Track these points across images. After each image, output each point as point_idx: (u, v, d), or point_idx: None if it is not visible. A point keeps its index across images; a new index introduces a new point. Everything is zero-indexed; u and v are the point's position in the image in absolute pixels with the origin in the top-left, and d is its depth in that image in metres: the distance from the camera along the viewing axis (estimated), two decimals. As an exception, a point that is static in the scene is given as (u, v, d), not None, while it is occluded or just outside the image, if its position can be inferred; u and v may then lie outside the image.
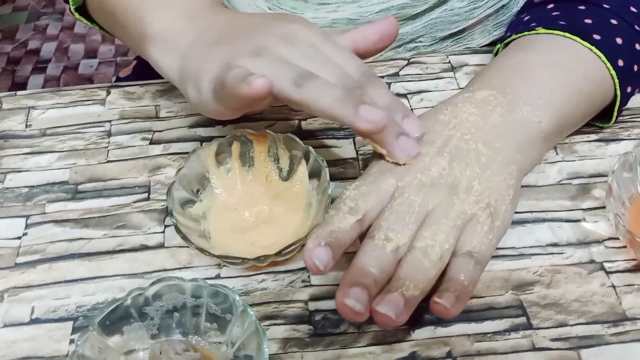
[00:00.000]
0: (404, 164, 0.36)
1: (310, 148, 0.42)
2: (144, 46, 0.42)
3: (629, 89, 0.44)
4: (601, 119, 0.45)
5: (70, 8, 0.49)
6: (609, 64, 0.42)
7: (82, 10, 0.51)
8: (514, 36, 0.45)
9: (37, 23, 1.80)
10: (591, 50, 0.42)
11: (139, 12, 0.42)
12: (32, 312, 0.38)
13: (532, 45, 0.43)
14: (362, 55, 0.39)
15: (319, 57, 0.36)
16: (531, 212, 0.42)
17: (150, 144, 0.47)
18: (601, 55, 0.42)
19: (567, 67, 0.41)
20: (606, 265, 0.39)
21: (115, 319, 0.34)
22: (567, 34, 0.42)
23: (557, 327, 0.36)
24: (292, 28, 0.37)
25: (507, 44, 0.46)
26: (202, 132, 0.48)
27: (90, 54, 1.70)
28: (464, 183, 0.36)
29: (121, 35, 0.47)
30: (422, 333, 0.36)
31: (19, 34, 1.76)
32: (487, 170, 0.36)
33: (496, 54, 0.47)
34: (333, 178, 0.44)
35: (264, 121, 0.49)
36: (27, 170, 0.46)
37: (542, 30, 0.43)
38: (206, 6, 0.42)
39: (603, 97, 0.43)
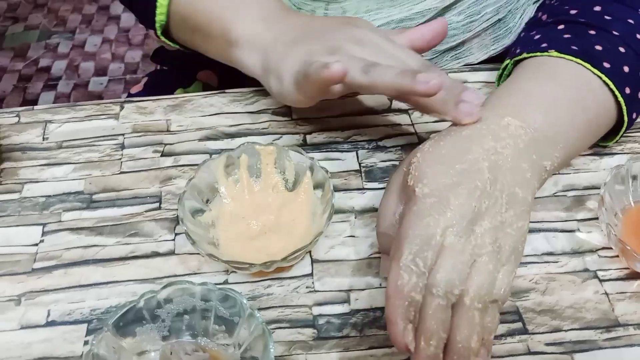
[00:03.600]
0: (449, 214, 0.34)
1: (315, 160, 0.44)
2: (228, 50, 0.49)
3: (634, 115, 0.45)
4: (601, 140, 0.47)
5: (156, 32, 0.53)
6: (617, 92, 0.43)
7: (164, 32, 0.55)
8: (525, 54, 0.46)
9: (48, 41, 1.84)
10: (601, 78, 0.43)
11: (220, 22, 0.49)
12: (48, 315, 0.40)
13: (553, 72, 0.43)
14: (419, 50, 0.45)
15: (383, 53, 0.42)
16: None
17: (161, 156, 0.49)
18: (610, 83, 0.43)
19: (585, 105, 0.43)
20: (599, 273, 0.41)
21: (128, 320, 0.36)
22: (579, 60, 0.43)
23: (551, 332, 0.38)
24: (360, 31, 0.44)
25: (518, 61, 0.47)
26: (211, 145, 0.50)
27: (100, 71, 1.74)
28: (502, 232, 0.35)
29: (205, 46, 0.52)
30: (422, 337, 0.38)
31: (30, 52, 1.80)
32: (509, 211, 0.36)
33: (504, 68, 0.49)
34: (336, 189, 0.46)
35: (271, 135, 0.51)
36: (44, 181, 0.48)
37: (555, 54, 0.44)
38: (279, 11, 0.49)
39: (608, 125, 0.45)
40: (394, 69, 0.40)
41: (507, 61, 0.48)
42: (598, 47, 0.44)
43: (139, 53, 1.80)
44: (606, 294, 0.40)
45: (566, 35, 0.46)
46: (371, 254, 0.42)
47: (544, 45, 0.45)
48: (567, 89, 0.43)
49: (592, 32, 0.45)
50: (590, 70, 0.43)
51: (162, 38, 0.54)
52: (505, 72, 0.49)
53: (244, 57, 0.48)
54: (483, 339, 0.33)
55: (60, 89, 1.68)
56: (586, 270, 0.41)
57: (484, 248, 0.34)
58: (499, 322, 0.34)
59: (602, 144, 0.48)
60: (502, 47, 0.58)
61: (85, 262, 0.42)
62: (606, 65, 0.43)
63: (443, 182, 0.35)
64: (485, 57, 0.58)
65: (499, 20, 0.56)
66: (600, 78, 0.43)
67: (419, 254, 0.33)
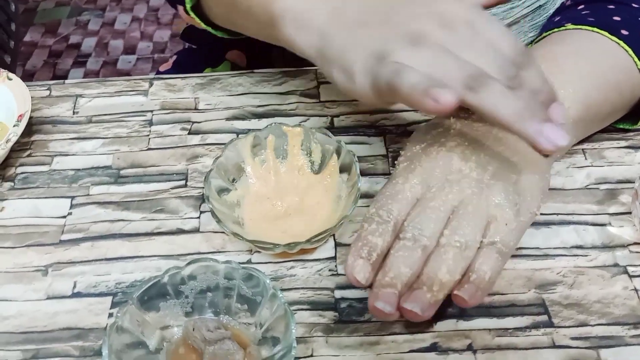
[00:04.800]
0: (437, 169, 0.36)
1: (342, 143, 0.43)
2: (273, 27, 0.40)
3: None
4: (630, 119, 0.46)
5: (185, 7, 0.47)
6: (636, 58, 0.42)
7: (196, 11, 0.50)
8: (544, 34, 0.46)
9: (78, 18, 1.85)
10: (619, 44, 0.42)
11: None
12: (74, 287, 0.40)
13: (561, 38, 0.44)
14: (487, 6, 0.37)
15: (478, 42, 0.33)
16: (557, 214, 0.43)
17: (188, 134, 0.50)
18: (628, 49, 0.42)
19: (594, 57, 0.42)
20: (630, 269, 0.40)
21: (152, 295, 0.36)
22: (595, 29, 0.43)
23: (577, 326, 0.37)
24: (441, 4, 0.34)
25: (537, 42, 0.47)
26: (238, 124, 0.50)
27: (129, 50, 1.75)
28: (488, 178, 0.36)
29: (244, 24, 0.45)
30: (444, 325, 0.37)
31: (60, 28, 1.83)
32: (512, 162, 0.36)
33: None
34: (363, 173, 0.46)
35: (299, 116, 0.50)
36: (73, 155, 0.48)
37: (571, 26, 0.44)
38: None
39: (632, 89, 0.44)
40: (511, 99, 0.31)
41: (529, 45, 0.48)
42: (616, 18, 0.44)
43: (167, 32, 1.80)
44: (635, 290, 0.39)
45: (584, 12, 0.45)
46: (396, 240, 0.42)
47: (562, 22, 0.45)
48: (575, 45, 0.42)
49: (612, 6, 0.45)
50: (607, 37, 0.42)
51: (192, 15, 0.49)
52: None
53: (292, 36, 0.39)
54: (471, 277, 0.33)
55: (89, 66, 1.70)
56: (616, 265, 0.40)
57: (461, 192, 0.35)
58: (497, 267, 0.34)
59: (632, 126, 0.46)
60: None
61: (112, 236, 0.43)
62: (624, 32, 0.43)
63: (417, 148, 0.37)
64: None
65: (540, 6, 0.55)
66: (618, 44, 0.42)
67: (383, 207, 0.35)
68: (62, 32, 1.81)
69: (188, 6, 0.49)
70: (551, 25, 0.47)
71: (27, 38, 1.78)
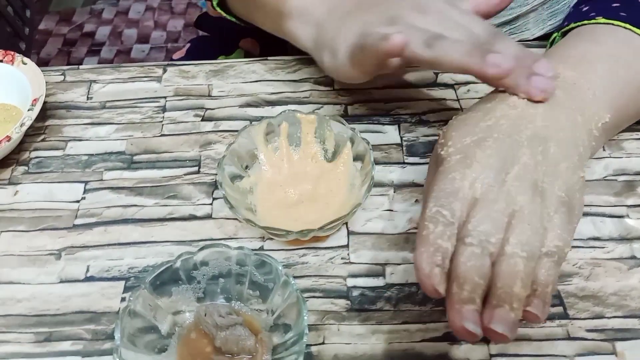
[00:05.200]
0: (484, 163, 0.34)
1: (356, 131, 0.43)
2: (282, 22, 0.47)
3: None
4: None
5: (213, 4, 0.54)
6: None
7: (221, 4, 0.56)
8: (572, 24, 0.45)
9: (93, 7, 1.86)
10: None
11: None
12: (87, 271, 0.40)
13: (593, 35, 0.42)
14: (484, 16, 0.42)
15: (448, 21, 0.39)
16: (573, 205, 0.42)
17: (202, 120, 0.49)
18: None
19: (626, 61, 0.41)
20: (647, 261, 0.39)
21: (165, 280, 0.36)
22: (627, 25, 0.42)
23: (593, 318, 0.37)
24: None
25: (565, 33, 0.45)
26: (251, 111, 0.50)
27: (143, 39, 1.75)
28: (541, 180, 0.34)
29: (260, 18, 0.51)
30: (457, 315, 0.37)
31: (75, 16, 1.83)
32: (558, 165, 0.35)
33: (552, 42, 0.47)
34: (376, 162, 0.45)
35: (312, 104, 0.50)
36: (87, 140, 0.48)
37: (602, 20, 0.43)
38: None
39: None
40: (462, 44, 0.37)
41: (555, 34, 0.47)
42: None
43: (181, 22, 1.80)
44: (653, 283, 0.38)
45: (615, 4, 0.44)
46: (409, 229, 0.42)
47: (592, 14, 0.44)
48: (609, 47, 0.41)
49: None
50: (638, 34, 0.41)
51: (218, 10, 0.55)
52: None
53: (296, 30, 0.46)
54: (536, 290, 0.31)
55: (103, 54, 1.71)
56: (633, 257, 0.39)
57: (520, 195, 0.33)
58: (556, 276, 0.32)
59: None
60: (559, 23, 0.55)
61: (125, 221, 0.43)
62: None
63: (469, 140, 0.35)
64: (540, 32, 0.56)
65: None
66: None
67: (445, 206, 0.33)
68: (76, 20, 1.82)
69: (214, 2, 0.54)
70: (579, 15, 0.45)
71: (41, 26, 1.79)
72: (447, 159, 0.35)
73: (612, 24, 0.42)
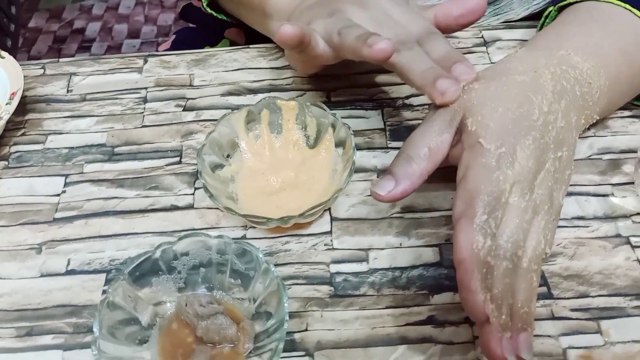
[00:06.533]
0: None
1: (338, 116, 0.43)
2: (265, 22, 0.50)
3: None
4: None
5: (203, 5, 0.56)
6: None
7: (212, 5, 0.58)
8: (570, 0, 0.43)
9: (82, 3, 1.84)
10: None
11: None
12: (68, 264, 0.40)
13: (600, 19, 0.41)
14: (444, 30, 0.41)
15: (385, 19, 0.40)
16: (558, 185, 0.42)
17: (183, 110, 0.49)
18: None
19: (631, 56, 0.40)
20: (632, 239, 0.39)
21: (145, 270, 0.36)
22: (629, 7, 0.41)
23: (578, 297, 0.36)
24: None
25: (562, 8, 0.44)
26: (233, 100, 0.49)
27: (134, 34, 1.74)
28: (554, 187, 0.33)
29: (248, 18, 0.54)
30: (441, 298, 0.37)
31: (65, 13, 1.82)
32: (564, 172, 0.34)
33: (546, 18, 0.46)
34: (360, 147, 0.45)
35: (295, 91, 0.50)
36: (67, 133, 0.48)
37: None
38: None
39: None
40: (359, 29, 0.38)
41: (551, 8, 0.46)
42: None
43: (172, 16, 1.79)
44: (638, 260, 0.38)
45: None
46: (392, 214, 0.41)
47: None
48: (616, 39, 0.40)
49: None
50: (636, 15, 0.41)
51: (209, 10, 0.56)
52: (547, 22, 0.46)
53: (273, 27, 0.48)
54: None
55: (94, 50, 1.70)
56: (618, 235, 0.39)
57: (542, 205, 0.32)
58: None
59: None
60: (545, 2, 0.54)
61: (106, 214, 0.42)
62: None
63: (508, 131, 0.33)
64: (526, 12, 0.55)
65: None
66: None
67: (492, 214, 0.30)
68: (66, 17, 1.81)
69: (205, 4, 0.56)
70: None
71: (31, 24, 1.78)
72: (490, 151, 0.32)
73: (614, 4, 0.41)
